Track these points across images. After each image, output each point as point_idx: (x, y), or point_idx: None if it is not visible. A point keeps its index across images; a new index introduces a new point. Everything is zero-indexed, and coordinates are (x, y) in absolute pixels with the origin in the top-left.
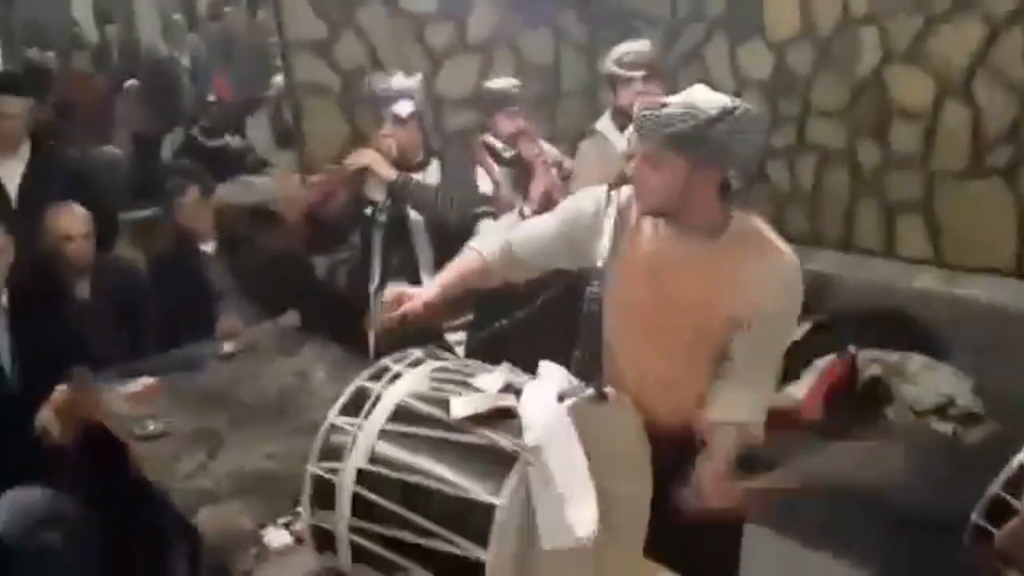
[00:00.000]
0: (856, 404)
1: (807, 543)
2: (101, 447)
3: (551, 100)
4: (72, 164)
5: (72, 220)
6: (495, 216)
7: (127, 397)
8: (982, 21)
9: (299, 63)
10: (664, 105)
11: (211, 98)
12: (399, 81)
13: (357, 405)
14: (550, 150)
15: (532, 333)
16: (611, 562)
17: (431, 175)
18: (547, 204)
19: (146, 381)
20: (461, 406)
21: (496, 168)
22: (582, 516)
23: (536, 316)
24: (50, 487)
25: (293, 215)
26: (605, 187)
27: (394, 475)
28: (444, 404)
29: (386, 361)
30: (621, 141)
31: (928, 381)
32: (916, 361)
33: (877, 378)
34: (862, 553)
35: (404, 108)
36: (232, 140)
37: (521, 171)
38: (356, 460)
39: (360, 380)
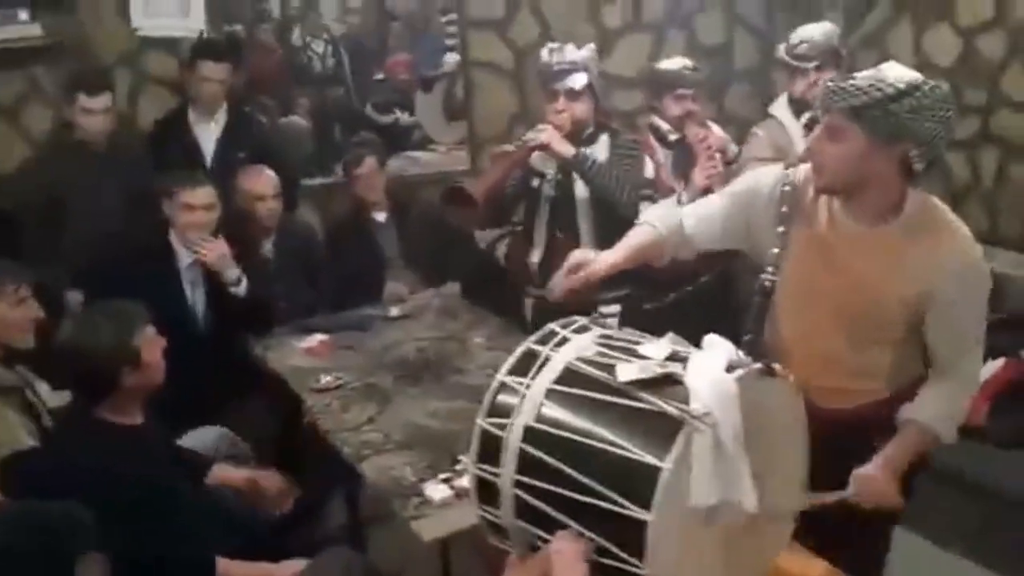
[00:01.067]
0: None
1: (965, 553)
2: (277, 397)
3: (722, 82)
4: (263, 130)
5: (264, 182)
6: (654, 199)
7: (303, 351)
8: None
9: (475, 41)
10: (850, 77)
11: (379, 76)
12: (572, 53)
13: (526, 366)
14: (719, 134)
15: (682, 316)
16: (762, 539)
17: (600, 149)
18: (706, 193)
19: (320, 337)
20: (628, 371)
21: (660, 150)
22: (743, 488)
23: (688, 299)
24: (230, 428)
25: (481, 195)
26: (781, 166)
27: (560, 434)
28: (610, 369)
29: (553, 326)
30: (796, 127)
31: None
32: None
33: None
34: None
35: (578, 81)
36: (402, 116)
37: (684, 155)
38: (524, 418)
39: (529, 342)
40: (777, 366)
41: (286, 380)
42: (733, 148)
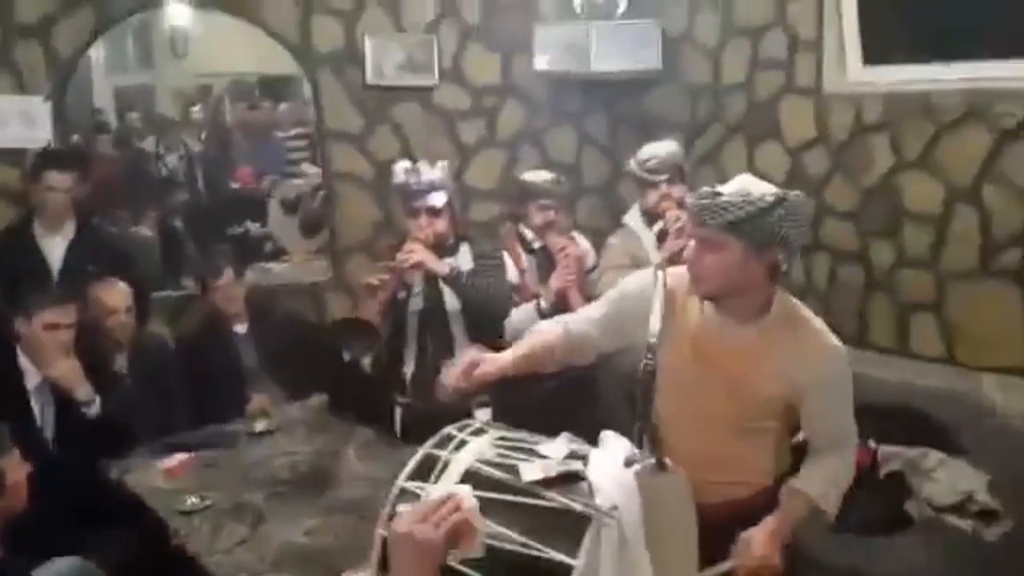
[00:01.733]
0: (876, 498)
1: None
2: (139, 522)
3: (573, 196)
4: (113, 241)
5: (116, 295)
6: (516, 303)
7: (164, 472)
8: (989, 130)
9: (336, 153)
10: (718, 194)
11: (235, 185)
12: (427, 172)
13: (425, 471)
14: (581, 244)
15: (547, 414)
16: None
17: (463, 258)
18: (563, 298)
19: (181, 456)
20: (531, 470)
21: (524, 256)
22: None
23: (550, 398)
24: (88, 558)
25: (379, 322)
26: (652, 268)
27: None
28: (511, 469)
29: (449, 429)
30: (648, 235)
31: (946, 477)
32: (933, 457)
33: (898, 473)
34: None
35: (438, 199)
36: (252, 227)
37: (546, 262)
38: None
39: (426, 447)
40: (668, 460)
41: (146, 503)
42: (592, 257)
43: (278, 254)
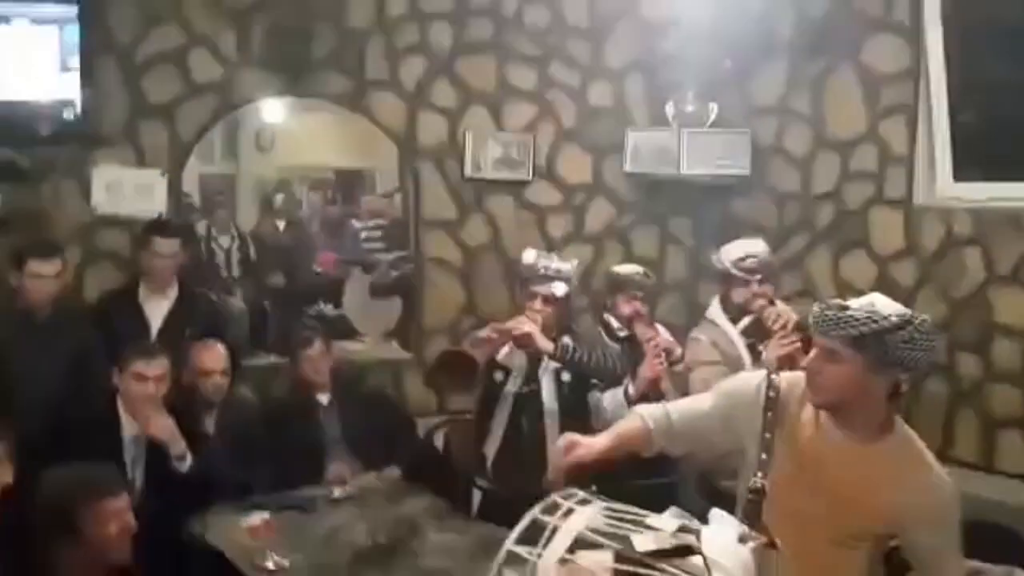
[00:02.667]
0: None
1: None
2: None
3: (655, 292)
4: (211, 307)
5: (215, 356)
6: (602, 389)
7: (247, 531)
8: None
9: (429, 239)
10: (845, 307)
11: (318, 270)
12: (557, 262)
13: (532, 536)
14: (665, 336)
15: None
16: None
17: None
18: (651, 387)
19: (265, 516)
20: (644, 542)
21: (610, 345)
22: None
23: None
24: None
25: (483, 359)
26: (764, 373)
27: None
28: (622, 540)
29: (555, 497)
30: (734, 332)
31: None
32: None
33: None
34: None
35: (560, 289)
36: (325, 308)
37: (632, 351)
38: None
39: (534, 512)
40: (778, 541)
41: (228, 558)
42: (678, 350)
43: (352, 334)
